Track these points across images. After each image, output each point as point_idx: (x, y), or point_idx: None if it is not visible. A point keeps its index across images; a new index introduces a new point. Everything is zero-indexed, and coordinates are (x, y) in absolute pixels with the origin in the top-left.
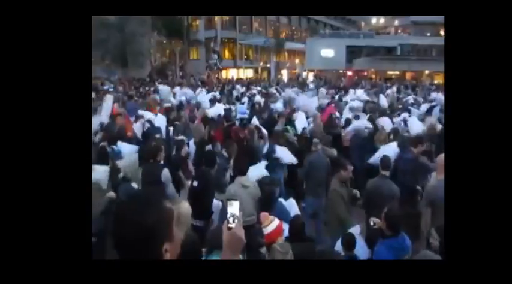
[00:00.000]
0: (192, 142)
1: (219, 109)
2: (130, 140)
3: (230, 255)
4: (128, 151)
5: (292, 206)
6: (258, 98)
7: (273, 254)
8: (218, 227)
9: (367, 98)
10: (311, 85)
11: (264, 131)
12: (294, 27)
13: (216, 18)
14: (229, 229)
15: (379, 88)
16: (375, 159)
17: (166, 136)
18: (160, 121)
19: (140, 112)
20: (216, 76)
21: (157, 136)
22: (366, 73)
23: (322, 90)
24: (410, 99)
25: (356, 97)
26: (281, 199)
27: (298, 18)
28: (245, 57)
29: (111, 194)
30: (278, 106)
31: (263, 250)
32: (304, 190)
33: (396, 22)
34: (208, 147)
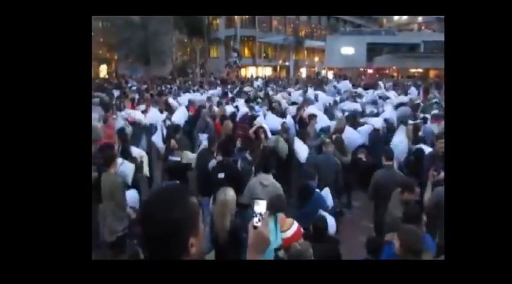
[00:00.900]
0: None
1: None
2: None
3: (254, 254)
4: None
5: (327, 195)
6: (278, 97)
7: (291, 251)
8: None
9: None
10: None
11: (269, 133)
12: (313, 25)
13: (236, 16)
14: (255, 228)
15: (401, 87)
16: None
17: (188, 133)
18: (179, 118)
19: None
20: (236, 74)
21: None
22: (387, 71)
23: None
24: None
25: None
26: (317, 189)
27: (318, 16)
28: (264, 55)
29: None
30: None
31: (281, 252)
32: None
33: (420, 19)
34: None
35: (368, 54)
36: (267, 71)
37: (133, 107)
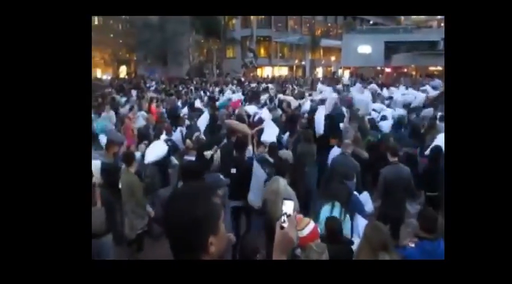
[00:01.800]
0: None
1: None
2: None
3: (279, 254)
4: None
5: (367, 199)
6: (283, 96)
7: (308, 253)
8: None
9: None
10: (345, 82)
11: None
12: (329, 24)
13: (252, 17)
14: (282, 228)
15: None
16: None
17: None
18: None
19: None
20: (252, 74)
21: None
22: (405, 70)
23: (358, 85)
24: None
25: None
26: (356, 193)
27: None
28: (280, 55)
29: None
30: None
31: (298, 251)
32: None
33: (439, 16)
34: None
35: (386, 53)
36: (283, 71)
37: (151, 107)
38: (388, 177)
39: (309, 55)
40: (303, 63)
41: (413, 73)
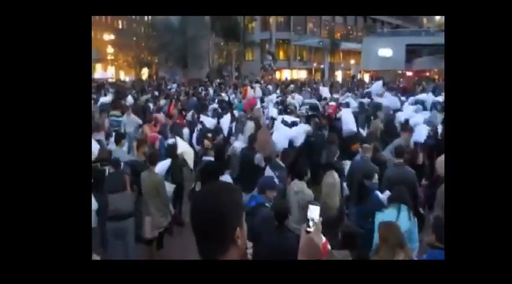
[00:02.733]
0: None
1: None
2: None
3: (304, 259)
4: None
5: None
6: (293, 100)
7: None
8: None
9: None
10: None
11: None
12: (349, 27)
13: (271, 19)
14: (307, 232)
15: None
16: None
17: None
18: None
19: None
20: (270, 77)
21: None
22: (428, 74)
23: (378, 85)
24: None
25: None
26: (377, 192)
27: (354, 17)
28: (299, 58)
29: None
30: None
31: None
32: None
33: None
34: None
35: (407, 56)
36: (302, 74)
37: (170, 107)
38: (392, 178)
39: (328, 58)
40: (322, 66)
41: (436, 77)
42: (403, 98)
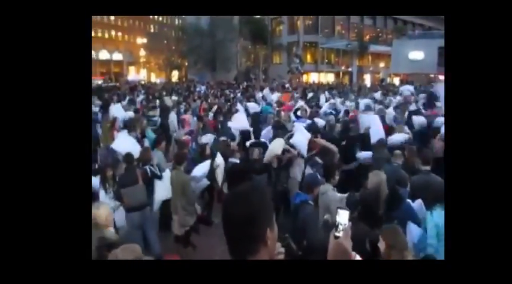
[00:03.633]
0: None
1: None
2: None
3: None
4: None
5: (421, 208)
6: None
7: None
8: None
9: None
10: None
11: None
12: (379, 29)
13: (299, 22)
14: (336, 237)
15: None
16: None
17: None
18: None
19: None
20: (297, 80)
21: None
22: None
23: (407, 89)
24: None
25: None
26: (409, 200)
27: (384, 19)
28: (326, 61)
29: None
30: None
31: None
32: None
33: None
34: None
35: (439, 59)
36: (330, 77)
37: (201, 109)
38: (416, 185)
39: (356, 61)
40: (350, 69)
41: None
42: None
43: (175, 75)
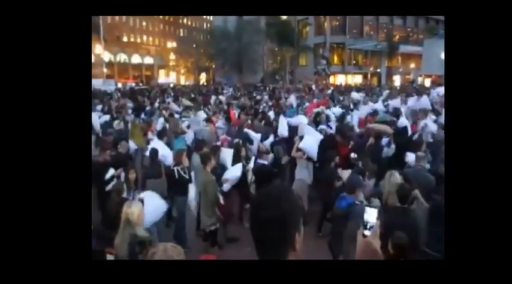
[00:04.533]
0: None
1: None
2: None
3: None
4: None
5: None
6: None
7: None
8: None
9: None
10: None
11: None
12: (409, 29)
13: (326, 23)
14: (364, 236)
15: None
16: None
17: None
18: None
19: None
20: (324, 81)
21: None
22: None
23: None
24: None
25: None
26: None
27: (415, 18)
28: (354, 62)
29: None
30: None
31: None
32: None
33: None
34: None
35: None
36: (357, 79)
37: (230, 111)
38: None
39: (385, 62)
40: (379, 70)
41: None
42: None
43: (203, 78)
